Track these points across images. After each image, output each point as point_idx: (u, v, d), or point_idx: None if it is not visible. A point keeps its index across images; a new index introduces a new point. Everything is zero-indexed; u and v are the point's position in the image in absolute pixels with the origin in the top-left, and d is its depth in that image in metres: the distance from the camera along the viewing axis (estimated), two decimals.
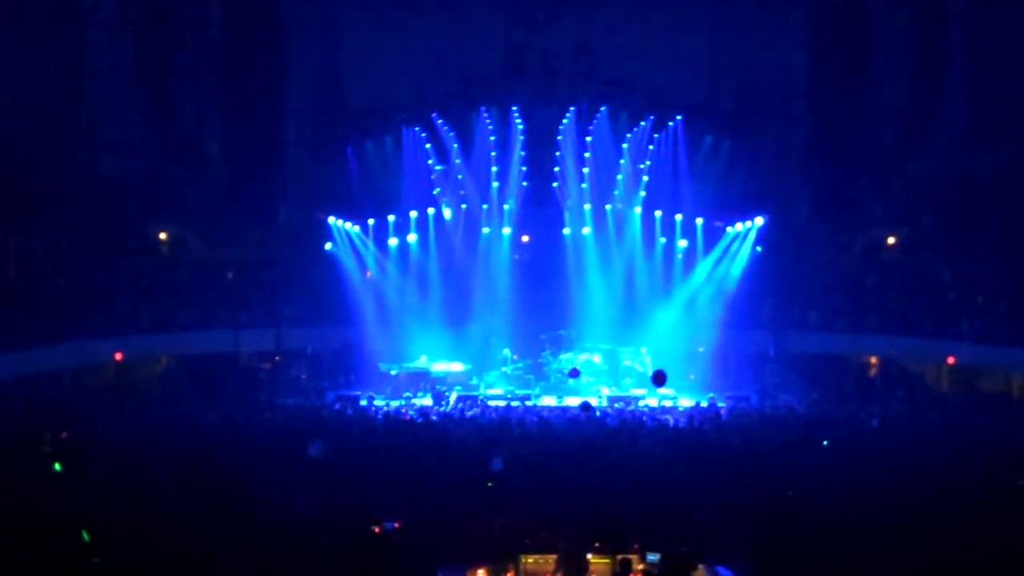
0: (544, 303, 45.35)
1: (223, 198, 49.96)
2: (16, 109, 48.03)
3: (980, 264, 45.85)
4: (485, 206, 46.40)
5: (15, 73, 47.84)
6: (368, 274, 45.77)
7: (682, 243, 45.37)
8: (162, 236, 48.84)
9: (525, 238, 46.83)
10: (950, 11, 49.94)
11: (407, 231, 45.57)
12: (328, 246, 45.51)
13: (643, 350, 44.27)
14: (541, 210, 46.77)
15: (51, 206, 46.33)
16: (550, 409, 38.97)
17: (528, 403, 40.47)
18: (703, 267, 45.59)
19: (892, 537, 19.73)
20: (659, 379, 33.58)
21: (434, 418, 35.18)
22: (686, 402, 40.55)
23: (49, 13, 48.15)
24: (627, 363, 44.02)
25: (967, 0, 49.88)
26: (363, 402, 40.12)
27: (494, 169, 46.30)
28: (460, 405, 39.59)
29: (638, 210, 45.83)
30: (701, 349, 44.98)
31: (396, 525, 19.86)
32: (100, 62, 49.25)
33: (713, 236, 45.77)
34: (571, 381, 42.38)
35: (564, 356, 43.99)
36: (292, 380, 44.86)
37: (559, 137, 46.34)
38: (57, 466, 23.97)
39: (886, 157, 49.90)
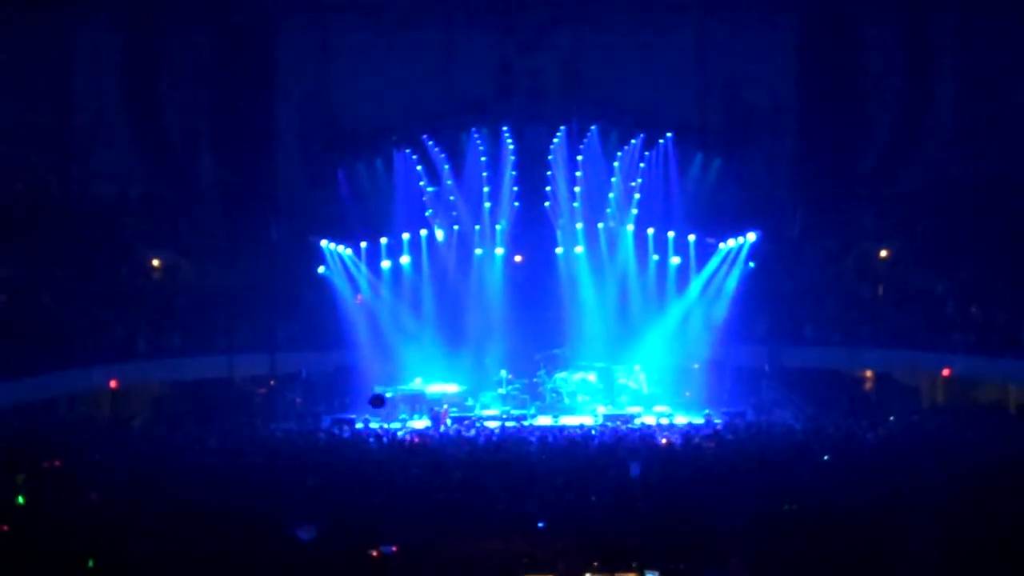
0: (538, 322, 45.35)
1: (216, 223, 49.88)
2: (7, 137, 48.06)
3: (974, 275, 45.81)
4: (477, 227, 46.37)
5: (6, 101, 47.91)
6: (359, 298, 45.71)
7: (675, 260, 45.36)
8: (155, 262, 48.74)
9: (518, 258, 46.77)
10: (938, 23, 49.98)
11: (400, 253, 45.50)
12: (321, 269, 45.46)
13: (637, 367, 44.25)
14: (533, 230, 46.73)
15: (44, 233, 46.23)
16: (546, 429, 38.92)
17: (524, 423, 40.43)
18: (696, 284, 45.59)
19: (892, 551, 19.71)
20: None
21: (430, 440, 35.25)
22: (682, 419, 40.53)
23: (38, 40, 48.12)
24: (622, 381, 43.98)
25: (955, 12, 49.91)
26: (359, 425, 40.04)
27: (486, 190, 46.28)
28: (456, 426, 39.53)
29: (630, 228, 45.85)
30: (696, 366, 45.01)
31: (394, 549, 19.82)
32: (91, 88, 49.22)
33: (706, 252, 45.79)
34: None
35: (559, 375, 43.97)
36: (287, 404, 44.76)
37: (550, 156, 46.30)
38: (20, 500, 23.93)
39: (877, 169, 49.90)
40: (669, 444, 33.18)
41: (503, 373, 43.88)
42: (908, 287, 47.18)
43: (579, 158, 46.01)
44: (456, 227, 46.39)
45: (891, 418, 39.11)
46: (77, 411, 43.33)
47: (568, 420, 41.02)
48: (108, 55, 49.35)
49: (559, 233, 46.43)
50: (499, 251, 46.15)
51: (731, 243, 45.45)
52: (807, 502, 23.53)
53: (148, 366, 44.33)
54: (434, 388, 43.19)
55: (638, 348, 44.96)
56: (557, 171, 46.33)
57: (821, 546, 19.99)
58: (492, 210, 46.35)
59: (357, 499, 24.38)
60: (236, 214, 49.20)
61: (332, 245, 45.52)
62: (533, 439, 34.41)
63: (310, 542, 25.29)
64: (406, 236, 45.46)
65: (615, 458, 30.06)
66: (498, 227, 46.23)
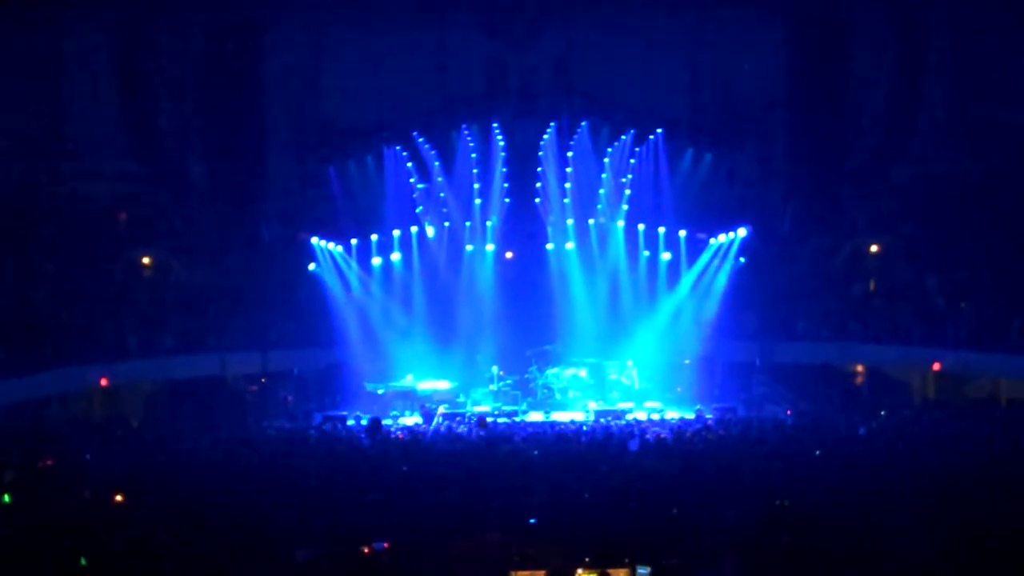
0: (529, 319, 45.38)
1: (207, 221, 49.79)
2: None
3: (964, 270, 45.88)
4: (468, 223, 46.38)
5: None
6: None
7: (665, 256, 45.41)
8: (146, 261, 48.66)
9: (509, 254, 46.78)
10: (929, 19, 49.96)
11: (390, 250, 45.54)
12: (312, 267, 45.45)
13: (629, 363, 44.30)
14: (524, 226, 46.77)
15: (35, 232, 46.26)
16: (537, 424, 38.99)
17: (516, 419, 40.47)
18: (687, 279, 45.61)
19: (884, 546, 19.71)
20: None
21: (421, 436, 35.28)
22: (673, 415, 40.61)
23: (30, 38, 48.00)
24: (613, 377, 44.02)
25: (946, 9, 49.91)
26: (350, 422, 40.03)
27: (476, 186, 46.30)
28: (447, 423, 39.55)
29: (621, 224, 45.88)
30: (687, 361, 45.03)
31: (385, 545, 19.80)
32: (82, 87, 49.13)
33: (696, 248, 45.82)
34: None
35: (550, 371, 43.99)
36: (279, 402, 44.79)
37: (540, 153, 46.35)
38: (7, 498, 23.89)
39: (868, 165, 49.93)
40: (660, 439, 33.20)
41: (494, 369, 43.92)
42: (899, 282, 47.25)
43: (569, 154, 46.05)
44: (447, 224, 46.40)
45: (882, 413, 39.18)
46: (69, 410, 43.23)
47: (559, 416, 41.12)
48: (99, 53, 49.19)
49: (550, 229, 46.47)
50: (490, 247, 46.16)
51: (722, 239, 45.50)
52: (799, 497, 23.53)
53: (140, 365, 44.34)
54: (425, 385, 43.27)
55: (629, 344, 45.03)
56: (548, 167, 46.36)
57: (813, 541, 19.97)
58: (483, 206, 46.37)
59: (348, 495, 24.36)
60: (227, 212, 49.15)
61: (323, 242, 45.53)
62: (525, 435, 34.45)
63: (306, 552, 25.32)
64: (397, 233, 45.52)
65: (607, 453, 30.08)
66: (489, 223, 46.24)
